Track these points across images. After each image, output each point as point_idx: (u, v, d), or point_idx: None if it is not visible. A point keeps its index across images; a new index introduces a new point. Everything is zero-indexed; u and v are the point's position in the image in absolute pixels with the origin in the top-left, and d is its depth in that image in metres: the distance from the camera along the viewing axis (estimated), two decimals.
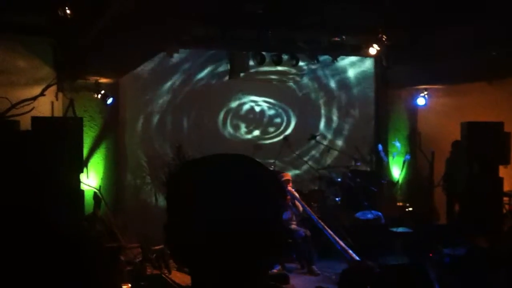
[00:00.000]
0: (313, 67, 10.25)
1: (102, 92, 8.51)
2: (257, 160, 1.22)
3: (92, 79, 8.44)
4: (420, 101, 10.47)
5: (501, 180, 8.39)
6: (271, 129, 10.43)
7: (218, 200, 1.12)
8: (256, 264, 1.17)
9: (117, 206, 8.97)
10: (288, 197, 8.28)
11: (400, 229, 8.76)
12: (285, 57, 9.49)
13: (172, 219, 1.16)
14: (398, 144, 10.79)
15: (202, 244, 1.11)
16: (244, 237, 1.12)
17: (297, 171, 9.53)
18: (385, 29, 8.58)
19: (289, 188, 8.27)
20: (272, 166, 9.16)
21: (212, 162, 1.20)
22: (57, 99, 8.47)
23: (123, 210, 9.00)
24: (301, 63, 9.73)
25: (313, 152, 10.33)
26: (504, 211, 8.99)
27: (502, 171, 8.46)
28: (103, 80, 8.54)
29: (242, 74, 9.70)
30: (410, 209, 9.95)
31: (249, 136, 10.29)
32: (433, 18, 8.13)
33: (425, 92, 10.42)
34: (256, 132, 10.35)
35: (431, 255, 7.90)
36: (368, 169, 10.86)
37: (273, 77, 9.96)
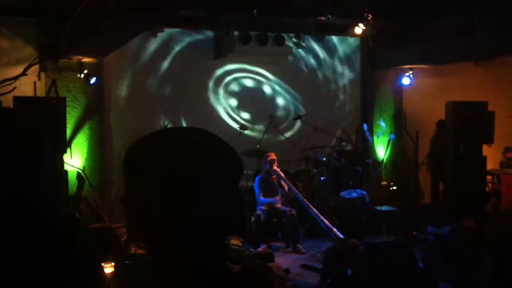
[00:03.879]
0: (299, 47, 10.20)
1: (85, 71, 8.42)
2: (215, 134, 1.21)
3: (75, 58, 8.34)
4: (405, 80, 10.48)
5: (485, 159, 8.46)
6: (256, 109, 10.40)
7: (184, 181, 1.09)
8: (221, 241, 1.17)
9: (102, 186, 8.93)
10: (274, 176, 8.32)
11: (384, 208, 8.83)
12: (270, 37, 9.45)
13: (132, 193, 1.14)
14: (383, 124, 10.82)
15: (164, 225, 1.10)
16: (212, 219, 1.11)
17: (282, 151, 9.52)
18: (372, 10, 8.56)
19: (275, 168, 8.29)
20: (258, 146, 9.16)
21: (176, 138, 1.17)
22: (39, 79, 8.36)
23: (108, 190, 8.97)
24: (287, 43, 9.70)
25: (299, 132, 10.32)
26: (488, 189, 9.08)
27: (486, 150, 8.52)
28: (86, 60, 8.44)
29: (228, 55, 9.65)
30: (395, 188, 10.02)
31: (235, 116, 10.26)
32: (422, 2, 8.15)
33: (410, 72, 10.43)
34: (241, 112, 10.32)
35: (414, 233, 7.97)
36: (353, 149, 10.91)
37: (259, 57, 9.92)
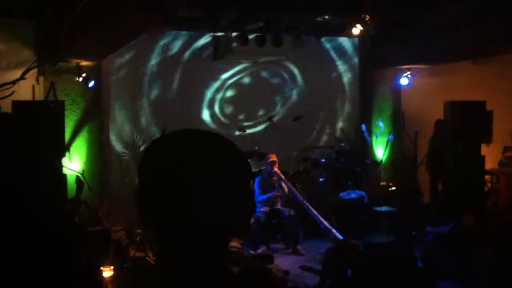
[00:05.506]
0: (297, 47, 10.19)
1: (84, 75, 8.42)
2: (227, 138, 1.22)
3: (74, 61, 8.33)
4: (403, 81, 10.48)
5: (483, 158, 8.46)
6: (255, 111, 10.39)
7: (190, 180, 1.11)
8: (225, 238, 1.18)
9: (102, 189, 8.93)
10: (274, 178, 8.32)
11: (383, 208, 8.83)
12: (269, 37, 9.44)
13: (140, 192, 1.15)
14: (381, 124, 10.82)
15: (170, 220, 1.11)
16: (215, 220, 1.12)
17: (281, 152, 9.52)
18: (369, 9, 8.55)
19: (275, 169, 8.29)
20: (256, 147, 9.16)
21: (189, 142, 1.19)
22: (38, 83, 8.36)
23: (107, 193, 8.96)
24: (284, 44, 9.68)
25: (298, 133, 10.30)
26: (486, 189, 9.08)
27: (485, 150, 8.53)
28: (84, 63, 8.44)
29: (226, 56, 9.64)
30: (394, 188, 10.02)
31: (233, 117, 10.25)
32: None
33: (408, 72, 10.43)
34: (241, 114, 10.31)
35: (414, 233, 7.97)
36: (352, 149, 10.90)
37: (257, 58, 9.92)
